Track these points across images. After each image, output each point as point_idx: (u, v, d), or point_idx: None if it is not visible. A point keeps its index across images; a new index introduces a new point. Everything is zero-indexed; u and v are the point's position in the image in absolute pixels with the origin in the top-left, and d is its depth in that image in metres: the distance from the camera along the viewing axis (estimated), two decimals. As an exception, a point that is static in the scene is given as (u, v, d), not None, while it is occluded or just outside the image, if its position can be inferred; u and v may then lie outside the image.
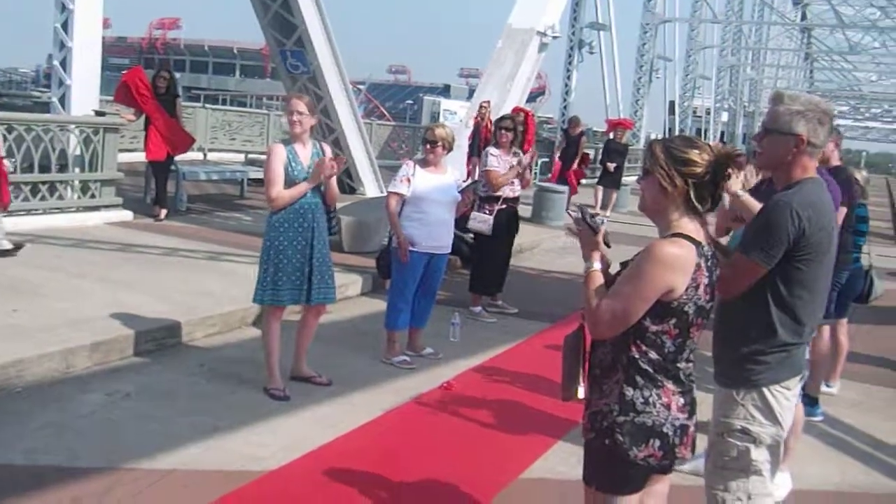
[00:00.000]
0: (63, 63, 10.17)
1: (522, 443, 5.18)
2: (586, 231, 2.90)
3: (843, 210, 5.62)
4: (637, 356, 2.73)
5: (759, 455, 3.20)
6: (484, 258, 8.24)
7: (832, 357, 6.63)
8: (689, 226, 2.73)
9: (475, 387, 6.13)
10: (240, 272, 8.16)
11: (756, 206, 3.70)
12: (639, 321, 2.69)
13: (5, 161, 8.90)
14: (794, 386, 3.26)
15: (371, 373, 6.16)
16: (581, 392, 2.89)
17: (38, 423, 4.72)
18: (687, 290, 2.67)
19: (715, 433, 3.29)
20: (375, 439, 5.08)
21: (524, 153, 8.38)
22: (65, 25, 10.11)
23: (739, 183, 3.86)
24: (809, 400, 6.04)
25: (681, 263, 2.66)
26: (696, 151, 2.71)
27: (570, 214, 2.96)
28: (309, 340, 5.82)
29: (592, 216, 2.93)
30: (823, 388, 6.47)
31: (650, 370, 2.72)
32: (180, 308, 6.69)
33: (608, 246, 2.95)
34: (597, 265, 2.85)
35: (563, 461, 4.84)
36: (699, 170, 2.69)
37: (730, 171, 2.75)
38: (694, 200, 2.72)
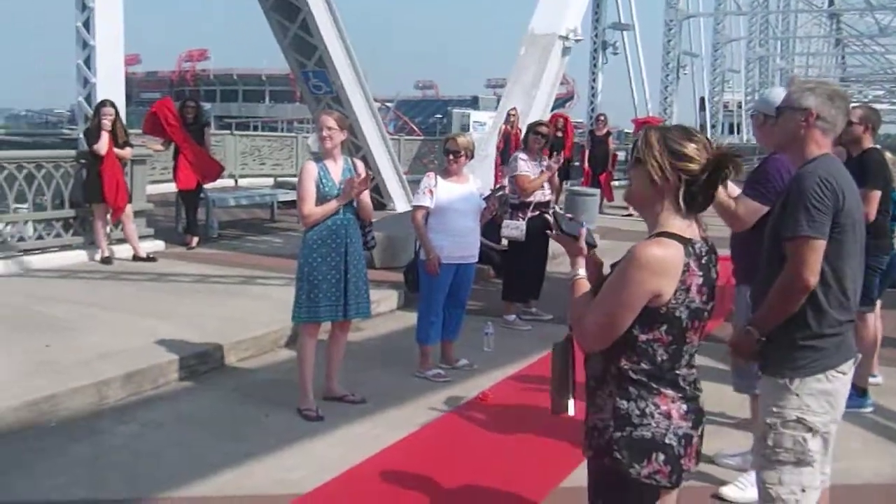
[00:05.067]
0: (88, 99, 10.23)
1: (562, 451, 5.02)
2: (565, 237, 2.76)
3: (877, 193, 5.44)
4: (627, 367, 2.51)
5: (815, 445, 3.12)
6: (519, 265, 8.12)
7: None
8: (676, 223, 2.49)
9: (511, 396, 6.02)
10: (272, 295, 8.14)
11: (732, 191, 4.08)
12: (628, 330, 2.47)
13: None
14: (849, 370, 3.20)
15: (405, 388, 6.08)
16: (572, 407, 2.67)
17: (71, 456, 4.71)
18: (676, 293, 2.44)
19: (767, 425, 3.18)
20: (412, 455, 4.99)
21: (563, 159, 8.24)
22: (87, 61, 10.17)
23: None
24: (857, 391, 5.83)
25: (666, 266, 2.42)
26: (694, 146, 2.46)
27: (548, 219, 2.84)
28: (340, 358, 5.77)
29: (570, 220, 2.78)
30: (868, 379, 6.25)
31: (643, 379, 2.50)
32: (213, 334, 6.67)
33: (593, 247, 2.79)
34: (581, 272, 2.71)
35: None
36: (695, 167, 2.45)
37: (728, 172, 2.49)
38: (681, 200, 2.48)
